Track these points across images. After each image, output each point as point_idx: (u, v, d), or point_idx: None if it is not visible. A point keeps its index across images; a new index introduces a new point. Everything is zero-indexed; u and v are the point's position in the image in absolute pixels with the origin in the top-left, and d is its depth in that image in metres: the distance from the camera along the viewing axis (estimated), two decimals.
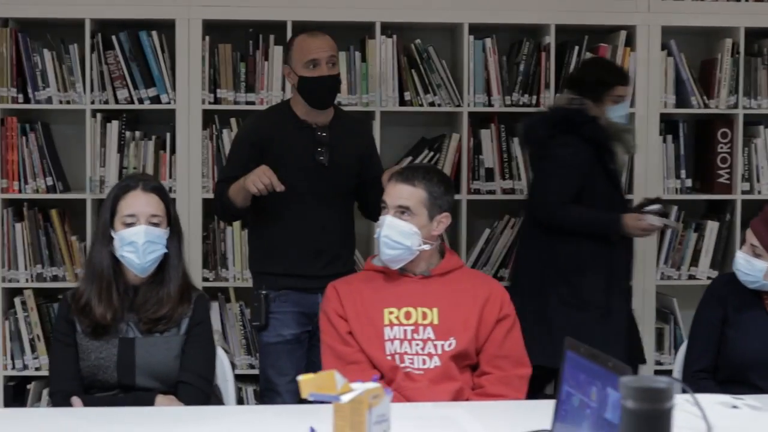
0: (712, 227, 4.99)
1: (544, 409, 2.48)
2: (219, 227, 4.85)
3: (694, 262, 5.01)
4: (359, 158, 4.17)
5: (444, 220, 3.44)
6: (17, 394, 4.81)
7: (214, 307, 4.86)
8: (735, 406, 2.50)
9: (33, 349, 4.77)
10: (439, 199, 3.41)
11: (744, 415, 2.45)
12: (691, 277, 5.00)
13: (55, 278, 4.77)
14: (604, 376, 2.26)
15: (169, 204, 3.34)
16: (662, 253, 4.99)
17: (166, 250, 3.29)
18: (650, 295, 4.94)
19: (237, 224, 4.76)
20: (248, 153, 4.03)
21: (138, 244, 3.22)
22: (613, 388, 2.22)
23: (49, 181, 4.76)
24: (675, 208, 4.97)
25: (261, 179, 3.79)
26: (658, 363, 4.95)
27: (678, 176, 4.98)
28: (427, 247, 3.41)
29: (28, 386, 4.79)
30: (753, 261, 3.40)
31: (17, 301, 4.79)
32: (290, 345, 4.06)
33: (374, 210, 3.84)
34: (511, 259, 4.90)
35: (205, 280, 4.83)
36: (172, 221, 3.34)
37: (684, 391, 2.16)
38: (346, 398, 2.35)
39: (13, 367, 4.78)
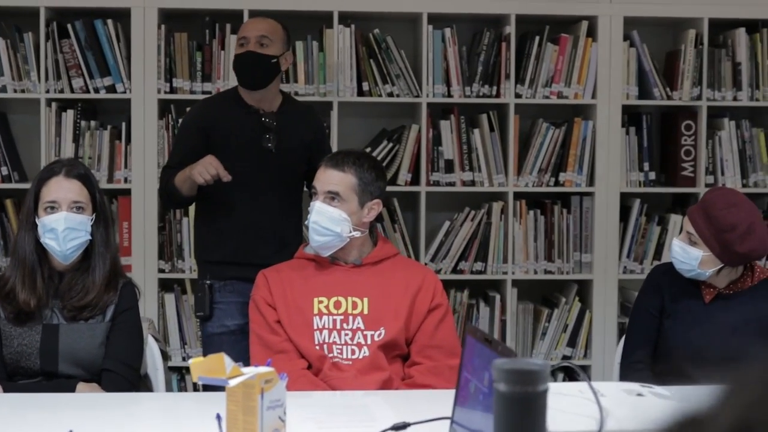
0: (675, 221, 4.91)
1: None
2: (175, 218, 4.81)
3: (657, 255, 4.93)
4: (307, 145, 4.10)
5: (375, 207, 3.39)
6: None
7: (170, 298, 4.82)
8: (640, 394, 2.44)
9: None
10: (370, 185, 3.36)
11: (645, 403, 2.40)
12: None
13: None
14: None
15: (95, 190, 3.30)
16: (625, 246, 4.92)
17: (89, 237, 3.25)
18: (612, 289, 4.88)
19: (193, 215, 4.71)
20: (195, 138, 4.01)
21: (58, 231, 3.18)
22: None
23: (5, 170, 4.73)
24: (638, 201, 4.92)
25: (207, 170, 3.75)
26: None
27: (641, 169, 4.92)
28: (357, 234, 3.36)
29: None
30: (688, 249, 3.33)
31: None
32: (234, 336, 3.99)
33: None
34: (470, 252, 4.85)
35: (161, 271, 4.78)
36: (98, 208, 3.30)
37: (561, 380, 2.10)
38: (233, 382, 2.31)
39: None
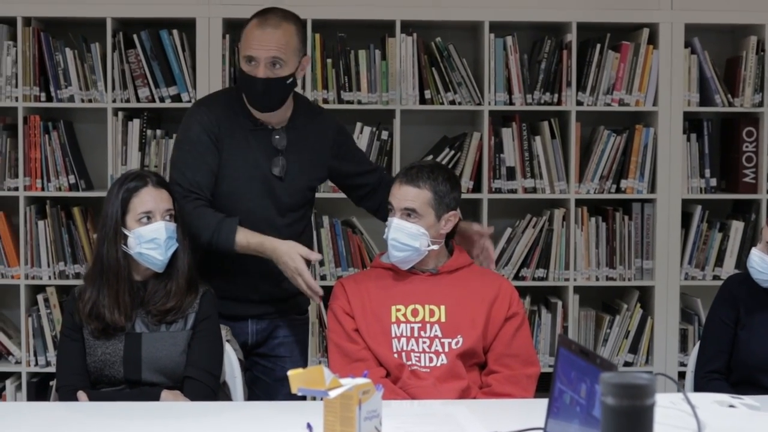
0: (737, 227, 4.92)
1: (543, 408, 2.46)
2: None
3: (719, 262, 4.94)
4: (325, 156, 3.76)
5: (452, 218, 3.42)
6: (40, 391, 4.85)
7: None
8: (732, 406, 2.46)
9: (56, 346, 4.77)
10: (445, 197, 3.39)
11: (739, 415, 2.42)
12: (716, 277, 4.92)
13: (77, 276, 4.79)
14: (593, 373, 2.23)
15: (175, 198, 3.36)
16: (686, 253, 4.93)
17: (178, 244, 3.31)
18: (674, 295, 4.89)
19: None
20: (211, 151, 3.56)
21: (160, 240, 3.24)
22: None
23: (72, 179, 4.79)
24: (699, 207, 4.92)
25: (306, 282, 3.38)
26: (682, 364, 4.88)
27: (702, 175, 4.92)
28: (435, 246, 3.40)
29: (51, 383, 4.82)
30: None
31: (40, 298, 4.82)
32: None
33: (376, 207, 3.85)
34: (532, 258, 4.86)
35: None
36: (178, 215, 3.36)
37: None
38: (334, 393, 2.35)
39: (36, 364, 4.81)
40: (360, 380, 2.39)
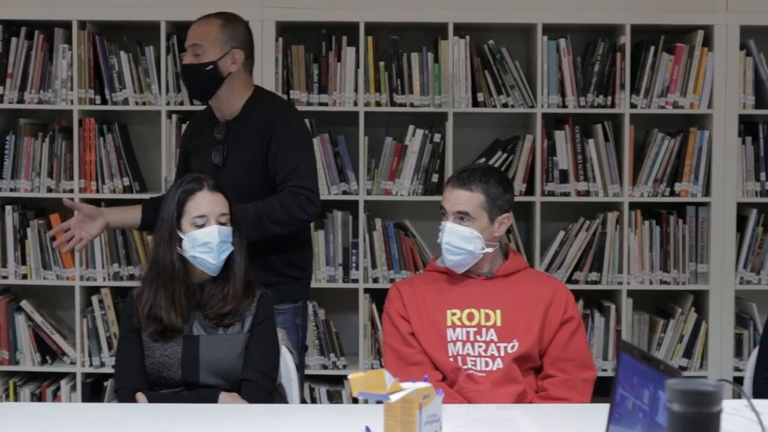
0: None
1: (602, 413, 2.44)
2: None
3: None
4: (259, 156, 3.73)
5: (505, 221, 3.41)
6: (94, 391, 4.89)
7: None
8: None
9: (110, 346, 4.83)
10: (498, 200, 3.38)
11: None
12: None
13: (131, 277, 4.84)
14: (656, 379, 2.22)
15: (231, 201, 3.37)
16: (741, 257, 4.88)
17: (233, 248, 3.32)
18: (729, 299, 4.85)
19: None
20: (183, 156, 4.02)
21: (213, 245, 3.25)
22: (664, 391, 2.18)
23: (126, 181, 4.83)
24: (754, 211, 4.87)
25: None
26: (737, 369, 4.84)
27: (757, 178, 4.87)
28: (490, 249, 3.39)
29: (105, 383, 4.87)
30: None
31: (95, 299, 4.87)
32: None
33: None
34: (585, 262, 4.84)
35: None
36: (234, 218, 3.37)
37: (735, 395, 2.10)
38: (395, 397, 2.35)
39: (91, 365, 4.85)
40: (421, 384, 2.38)
